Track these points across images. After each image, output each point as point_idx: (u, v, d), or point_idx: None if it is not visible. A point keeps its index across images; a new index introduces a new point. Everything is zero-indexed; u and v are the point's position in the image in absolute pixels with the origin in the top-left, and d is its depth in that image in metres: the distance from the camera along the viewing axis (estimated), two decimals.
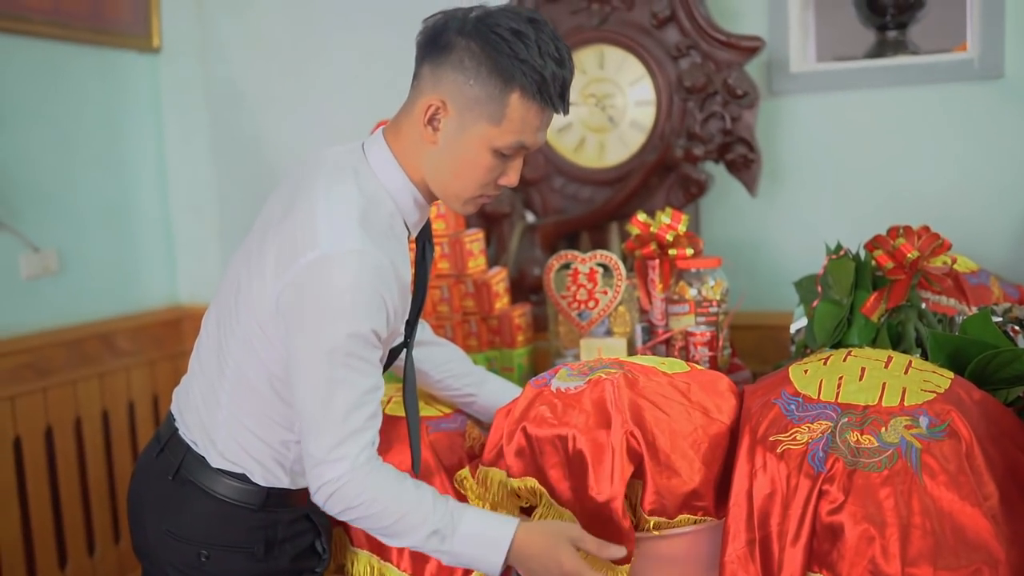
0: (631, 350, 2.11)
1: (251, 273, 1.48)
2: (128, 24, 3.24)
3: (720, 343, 2.06)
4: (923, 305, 1.97)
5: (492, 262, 2.61)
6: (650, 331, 2.12)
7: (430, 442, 1.82)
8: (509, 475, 1.61)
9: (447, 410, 1.92)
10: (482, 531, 1.48)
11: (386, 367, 1.60)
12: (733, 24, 2.72)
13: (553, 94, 1.45)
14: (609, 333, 2.20)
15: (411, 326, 1.63)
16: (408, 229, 1.53)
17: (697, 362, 1.97)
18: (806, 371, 1.65)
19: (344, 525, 1.82)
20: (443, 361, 1.88)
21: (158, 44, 3.35)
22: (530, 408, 1.62)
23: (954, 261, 2.02)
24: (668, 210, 2.13)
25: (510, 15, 1.44)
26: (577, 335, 2.19)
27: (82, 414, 3.06)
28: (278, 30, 3.39)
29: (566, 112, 1.51)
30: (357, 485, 1.43)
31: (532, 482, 1.58)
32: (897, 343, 1.92)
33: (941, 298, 2.07)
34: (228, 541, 1.56)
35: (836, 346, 1.88)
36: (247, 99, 3.41)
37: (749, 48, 2.47)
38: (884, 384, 1.56)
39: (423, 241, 1.61)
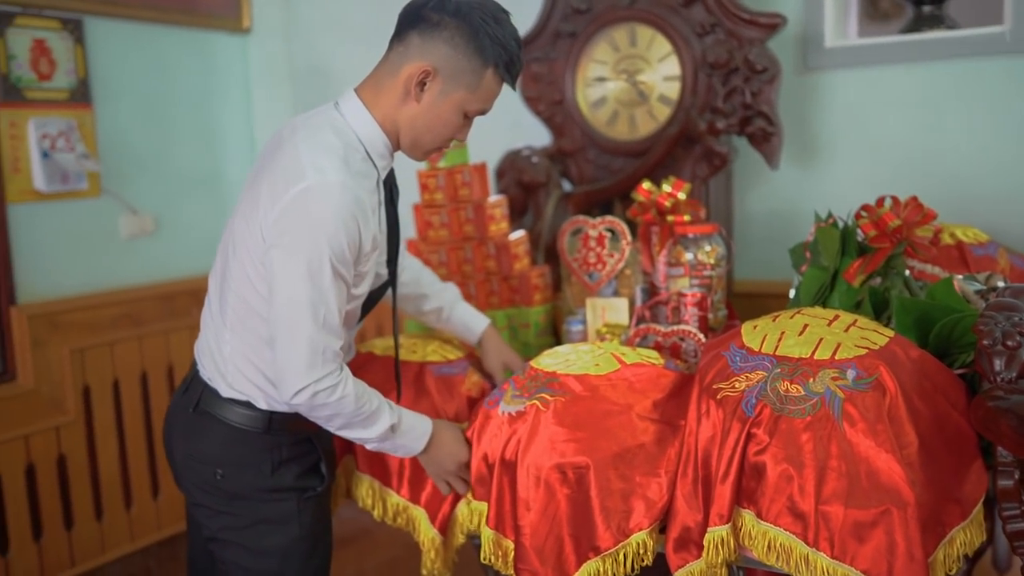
0: (631, 309, 2.26)
1: (246, 219, 1.72)
2: (220, 7, 3.54)
3: (711, 304, 2.18)
4: (907, 273, 2.04)
5: (528, 228, 2.78)
6: (650, 292, 2.26)
7: (430, 386, 2.03)
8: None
9: (451, 356, 2.12)
10: (416, 423, 1.83)
11: (371, 305, 1.84)
12: (768, 2, 2.79)
13: (515, 73, 1.75)
14: (616, 293, 2.35)
15: (392, 263, 1.86)
16: (378, 171, 1.76)
17: (687, 322, 2.10)
18: (755, 327, 1.79)
19: (353, 451, 2.06)
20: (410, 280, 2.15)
21: (247, 25, 3.64)
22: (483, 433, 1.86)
23: (939, 231, 2.07)
24: (671, 179, 2.26)
25: (486, 4, 1.71)
26: (586, 295, 2.34)
27: (173, 361, 3.40)
28: (358, 10, 3.63)
29: (515, 88, 1.81)
30: (348, 379, 1.69)
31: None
32: (883, 309, 2.00)
33: (927, 266, 2.14)
34: (239, 460, 1.81)
35: None
36: (328, 75, 3.67)
37: (770, 24, 2.55)
38: (821, 339, 1.68)
39: (389, 184, 1.83)
